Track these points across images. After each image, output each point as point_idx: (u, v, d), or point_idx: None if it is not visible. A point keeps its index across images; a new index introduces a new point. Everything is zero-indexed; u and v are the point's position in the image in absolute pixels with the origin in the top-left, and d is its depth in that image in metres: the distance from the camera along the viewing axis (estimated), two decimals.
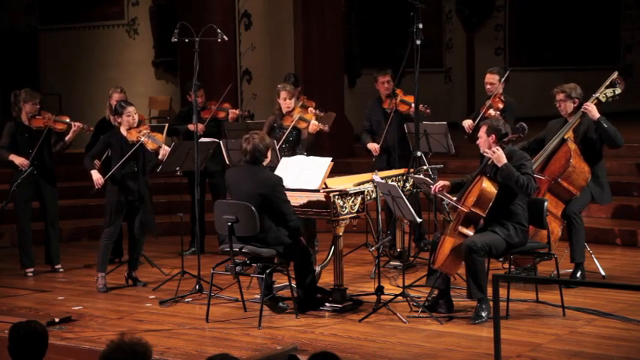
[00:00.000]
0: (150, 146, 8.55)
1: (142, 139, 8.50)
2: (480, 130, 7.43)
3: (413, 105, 9.46)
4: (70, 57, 15.16)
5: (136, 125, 8.57)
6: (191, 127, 9.41)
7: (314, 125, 9.15)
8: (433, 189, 7.47)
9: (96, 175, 8.55)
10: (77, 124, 9.18)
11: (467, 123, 9.23)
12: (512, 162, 7.15)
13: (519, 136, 7.44)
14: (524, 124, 7.60)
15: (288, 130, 9.20)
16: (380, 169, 9.01)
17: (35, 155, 9.11)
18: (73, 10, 15.17)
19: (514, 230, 7.17)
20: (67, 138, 9.27)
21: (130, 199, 8.57)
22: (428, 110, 9.39)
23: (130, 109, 8.58)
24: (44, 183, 9.30)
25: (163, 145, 8.59)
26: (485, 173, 7.27)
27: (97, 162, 8.77)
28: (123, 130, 8.60)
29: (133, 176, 8.57)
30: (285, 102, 9.27)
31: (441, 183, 7.45)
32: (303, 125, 9.23)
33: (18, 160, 9.09)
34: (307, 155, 8.45)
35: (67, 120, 9.26)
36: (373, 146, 9.69)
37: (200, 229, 9.46)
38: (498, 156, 7.12)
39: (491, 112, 8.87)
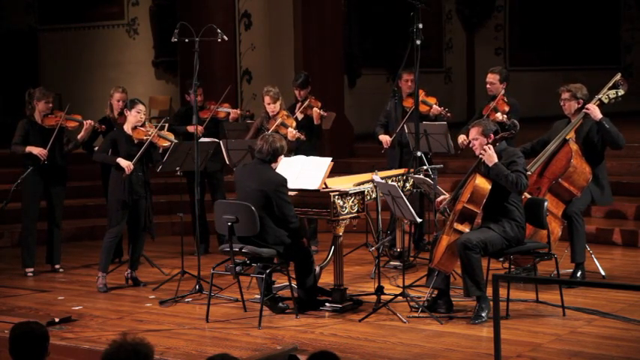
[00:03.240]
0: (161, 143, 8.58)
1: (153, 137, 8.50)
2: (471, 133, 7.39)
3: (434, 106, 9.51)
4: (70, 57, 15.16)
5: (140, 125, 8.60)
6: (190, 128, 9.38)
7: (291, 133, 9.16)
8: (436, 205, 7.56)
9: (124, 162, 8.47)
10: (89, 122, 9.20)
11: (461, 138, 8.75)
12: (502, 160, 7.18)
13: (511, 133, 7.42)
14: (516, 121, 7.57)
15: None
16: (391, 168, 9.12)
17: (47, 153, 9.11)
18: (73, 10, 15.18)
19: (509, 226, 7.19)
20: (79, 136, 9.29)
21: (134, 197, 8.58)
22: (449, 114, 9.41)
23: (141, 106, 8.63)
24: (54, 182, 9.28)
25: (175, 142, 8.63)
26: (479, 170, 7.30)
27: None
28: (127, 128, 8.62)
29: (137, 174, 8.57)
30: (270, 106, 9.33)
31: (440, 198, 7.53)
32: (283, 131, 9.15)
33: (36, 150, 9.06)
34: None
35: (79, 118, 9.28)
36: (385, 138, 9.72)
37: (203, 228, 9.44)
38: (489, 155, 7.16)
39: (499, 115, 8.73)
